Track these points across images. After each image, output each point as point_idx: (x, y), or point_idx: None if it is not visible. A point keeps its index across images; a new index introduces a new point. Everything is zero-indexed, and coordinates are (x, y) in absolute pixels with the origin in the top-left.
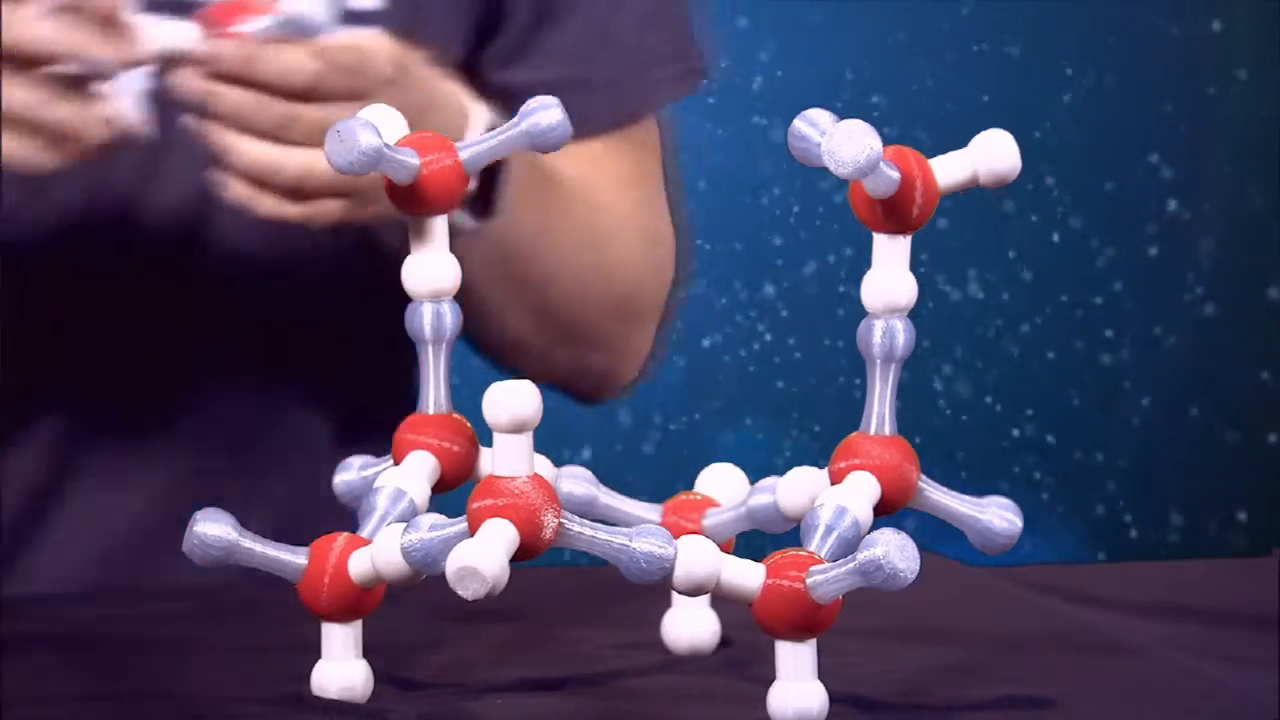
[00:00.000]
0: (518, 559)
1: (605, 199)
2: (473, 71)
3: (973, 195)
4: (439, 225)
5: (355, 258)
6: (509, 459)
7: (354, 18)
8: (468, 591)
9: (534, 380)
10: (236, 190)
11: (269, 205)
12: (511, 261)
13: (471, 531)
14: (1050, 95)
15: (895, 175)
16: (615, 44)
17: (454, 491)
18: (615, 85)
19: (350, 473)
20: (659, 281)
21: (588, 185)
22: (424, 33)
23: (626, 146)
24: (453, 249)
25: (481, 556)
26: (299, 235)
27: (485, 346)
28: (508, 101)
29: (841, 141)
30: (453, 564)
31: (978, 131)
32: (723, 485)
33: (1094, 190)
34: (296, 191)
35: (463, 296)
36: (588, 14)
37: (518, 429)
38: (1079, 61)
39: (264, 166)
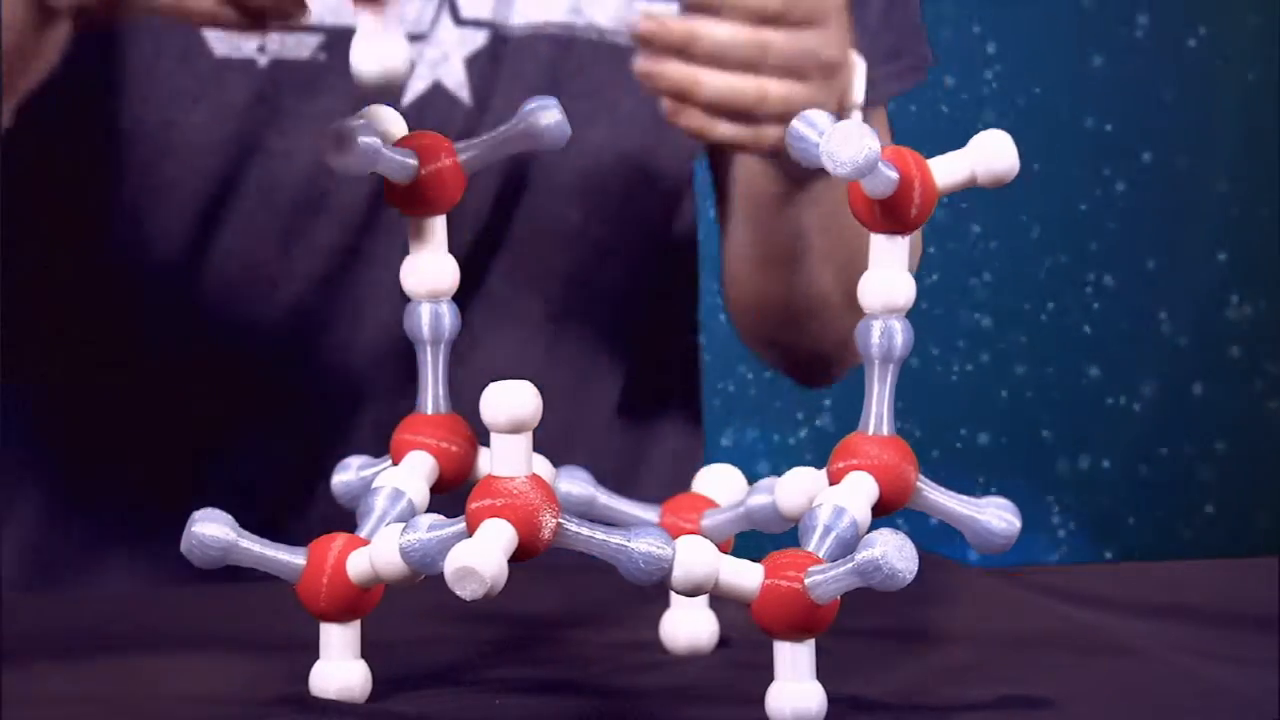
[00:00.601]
0: (516, 559)
1: None
2: None
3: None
4: (438, 225)
5: None
6: (507, 459)
7: None
8: (466, 592)
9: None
10: (694, 119)
11: (724, 130)
12: (840, 214)
13: (470, 532)
14: None
15: (894, 175)
16: (860, 36)
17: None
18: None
19: (349, 473)
20: None
21: None
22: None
23: None
24: (800, 193)
25: (480, 557)
26: None
27: (786, 306)
28: None
29: (840, 142)
30: (451, 565)
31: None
32: (720, 485)
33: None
34: (748, 116)
35: (792, 243)
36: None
37: (515, 429)
38: None
39: (728, 94)
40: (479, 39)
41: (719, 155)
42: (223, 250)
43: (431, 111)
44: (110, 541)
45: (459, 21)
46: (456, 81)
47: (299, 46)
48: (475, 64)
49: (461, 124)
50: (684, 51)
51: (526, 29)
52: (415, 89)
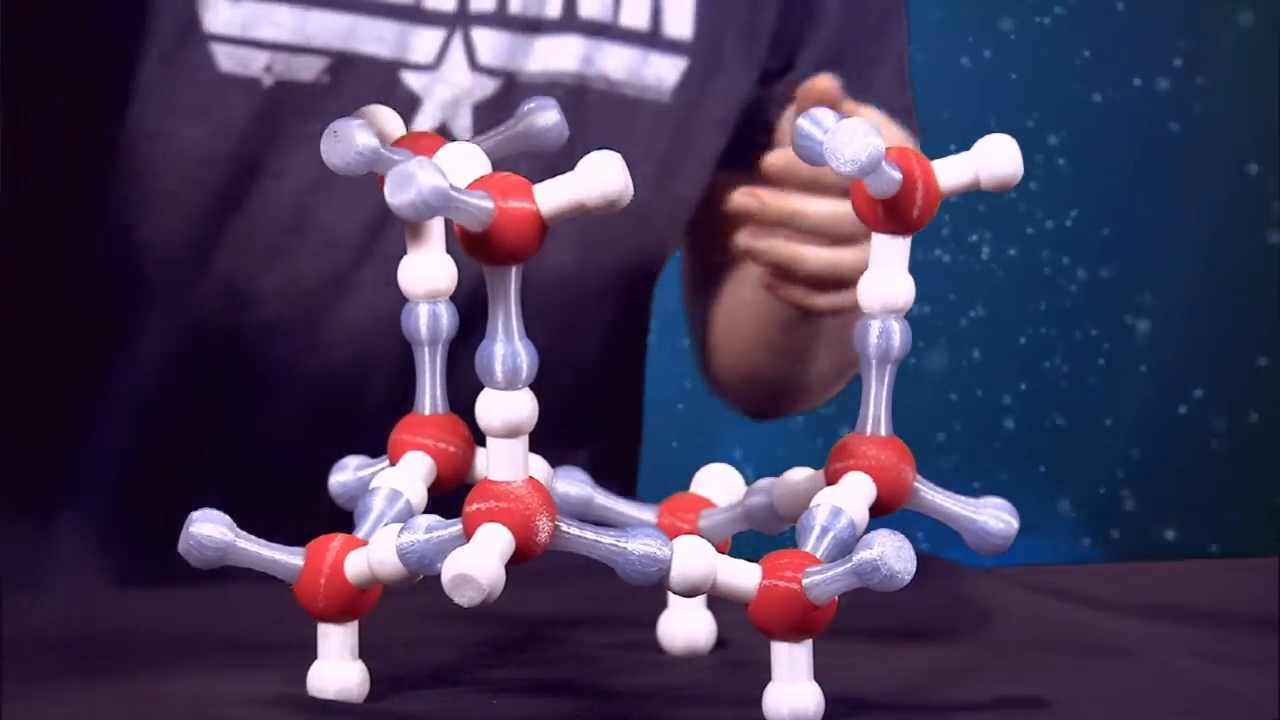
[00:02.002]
0: (513, 563)
1: None
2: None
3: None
4: (435, 226)
5: None
6: (503, 463)
7: (665, 44)
8: (464, 599)
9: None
10: (794, 294)
11: (822, 301)
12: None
13: (467, 535)
14: None
15: (897, 175)
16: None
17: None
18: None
19: (346, 473)
20: None
21: None
22: (720, 69)
23: None
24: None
25: (477, 564)
26: None
27: (779, 381)
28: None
29: (844, 140)
30: (448, 572)
31: None
32: (718, 486)
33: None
34: (839, 284)
35: (808, 342)
36: (854, 62)
37: (512, 434)
38: None
39: (829, 269)
40: (491, 86)
41: (706, 235)
42: (214, 265)
43: None
44: (108, 541)
45: (475, 67)
46: (462, 127)
47: (304, 68)
48: (483, 110)
49: None
50: (786, 226)
51: (541, 77)
52: (420, 126)
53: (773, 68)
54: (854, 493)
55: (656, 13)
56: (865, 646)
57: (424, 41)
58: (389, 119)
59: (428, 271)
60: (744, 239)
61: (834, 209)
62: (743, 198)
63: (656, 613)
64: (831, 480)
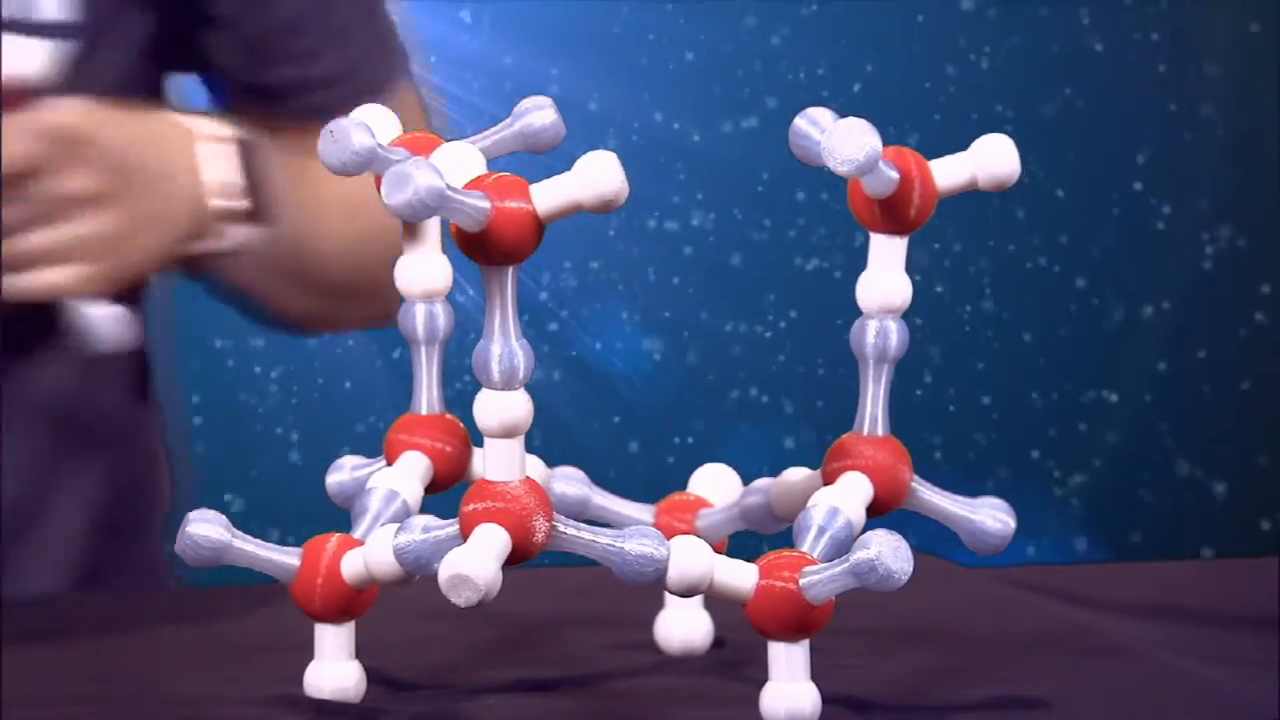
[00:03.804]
0: (510, 562)
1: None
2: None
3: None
4: (432, 225)
5: None
6: (500, 463)
7: (44, 29)
8: (460, 599)
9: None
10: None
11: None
12: (284, 260)
13: (464, 535)
14: None
15: (894, 175)
16: (342, 40)
17: (447, 491)
18: (354, 77)
19: (342, 473)
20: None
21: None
22: (106, 43)
23: None
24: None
25: (474, 564)
26: None
27: (274, 323)
28: (270, 99)
29: (841, 139)
30: (445, 572)
31: None
32: (715, 486)
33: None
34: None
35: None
36: (306, 17)
37: (508, 434)
38: None
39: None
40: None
41: None
42: None
43: None
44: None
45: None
46: None
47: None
48: None
49: None
50: None
51: None
52: None
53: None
54: (851, 493)
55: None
56: (863, 646)
57: None
58: (384, 119)
59: (424, 271)
60: None
61: None
62: None
63: (653, 613)
64: (829, 480)
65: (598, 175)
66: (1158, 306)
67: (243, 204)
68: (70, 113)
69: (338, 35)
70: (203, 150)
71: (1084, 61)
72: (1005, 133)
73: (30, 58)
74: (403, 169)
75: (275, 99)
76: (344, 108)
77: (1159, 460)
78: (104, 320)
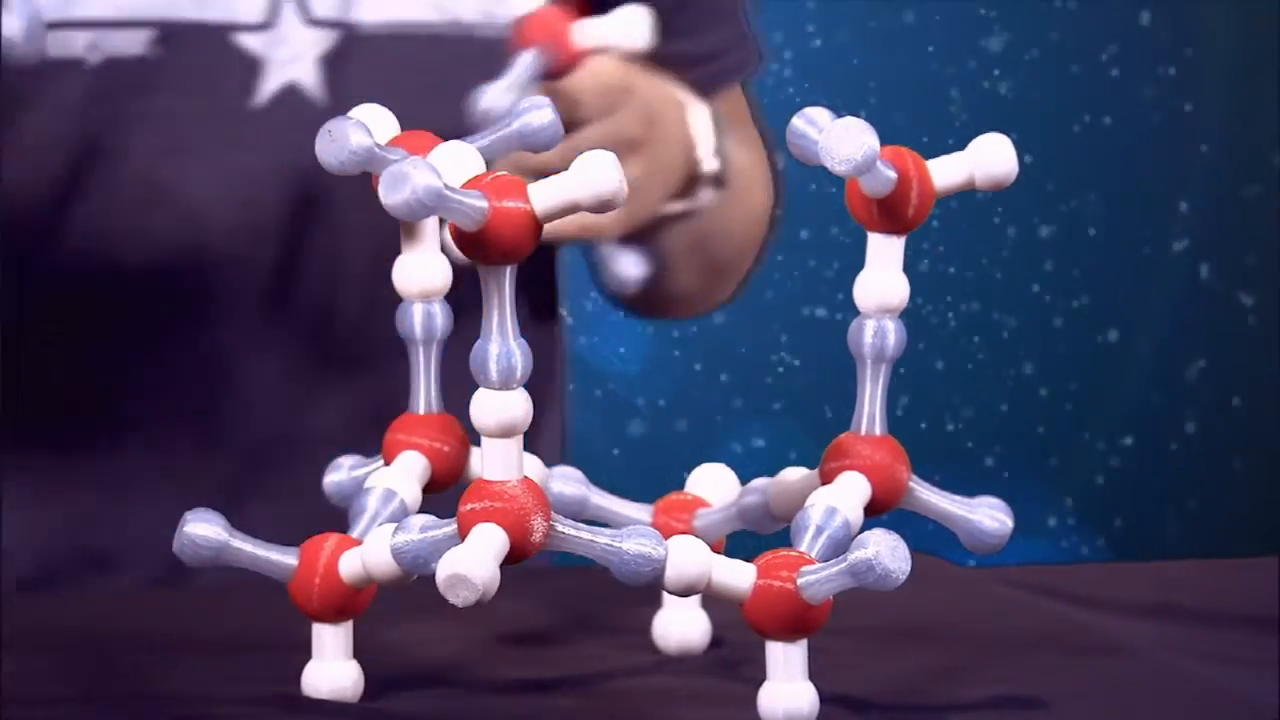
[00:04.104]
0: (508, 562)
1: (741, 154)
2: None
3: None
4: (429, 225)
5: None
6: (498, 463)
7: None
8: (458, 599)
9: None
10: None
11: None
12: (707, 236)
13: (462, 535)
14: None
15: (892, 175)
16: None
17: (446, 491)
18: (727, 57)
19: (340, 473)
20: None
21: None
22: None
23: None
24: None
25: (471, 564)
26: None
27: (645, 302)
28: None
29: (839, 139)
30: (443, 572)
31: None
32: (713, 485)
33: None
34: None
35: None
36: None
37: (506, 433)
38: None
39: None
40: (330, 39)
41: None
42: (64, 253)
43: (284, 111)
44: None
45: (310, 21)
46: (312, 83)
47: (130, 44)
48: (331, 64)
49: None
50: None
51: (385, 28)
52: (268, 87)
53: None
54: (849, 492)
55: None
56: (860, 646)
57: (250, 2)
58: (383, 118)
59: (422, 270)
60: None
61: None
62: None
63: (651, 612)
64: (826, 480)
65: (595, 175)
66: (1155, 310)
67: (716, 168)
68: (613, 64)
69: (714, 16)
70: (692, 112)
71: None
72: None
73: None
74: (400, 168)
75: (668, 71)
76: (721, 84)
77: (1160, 460)
78: (626, 261)
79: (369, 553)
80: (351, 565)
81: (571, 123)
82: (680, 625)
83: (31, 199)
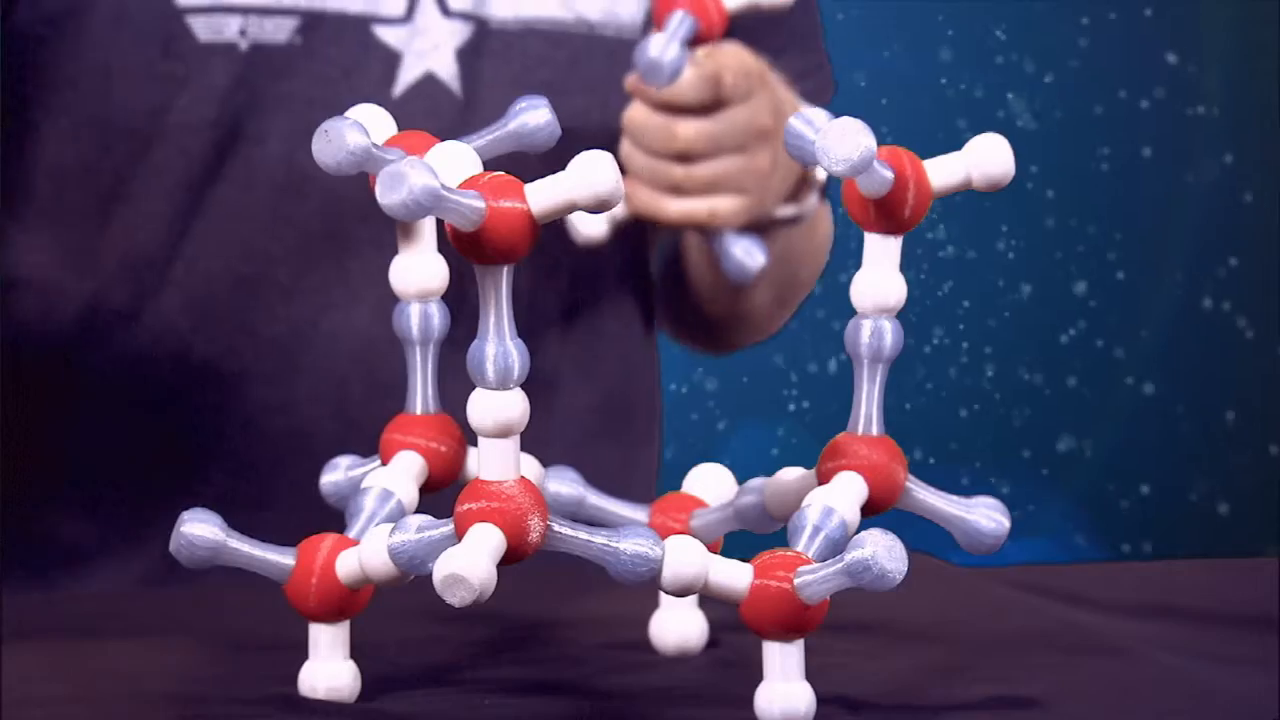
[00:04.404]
0: (504, 562)
1: None
2: None
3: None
4: (427, 226)
5: None
6: (494, 463)
7: None
8: (455, 599)
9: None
10: (641, 199)
11: (675, 208)
12: (789, 253)
13: (458, 535)
14: None
15: (889, 175)
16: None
17: (442, 491)
18: (819, 76)
19: (337, 473)
20: None
21: None
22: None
23: None
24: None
25: (469, 564)
26: None
27: (722, 317)
28: None
29: (836, 139)
30: (440, 572)
31: None
32: (709, 485)
33: None
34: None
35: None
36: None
37: (503, 433)
38: None
39: (653, 174)
40: (465, 32)
41: None
42: (206, 233)
43: (421, 100)
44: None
45: (447, 14)
46: (449, 75)
47: (277, 30)
48: (466, 56)
49: (455, 116)
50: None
51: (514, 23)
52: (405, 79)
53: None
54: (846, 492)
55: None
56: (857, 646)
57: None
58: (379, 118)
59: (419, 271)
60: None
61: (698, 128)
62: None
63: (648, 612)
64: (823, 480)
65: (592, 175)
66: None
67: (823, 176)
68: (750, 54)
69: (797, 43)
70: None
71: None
72: None
73: (631, 12)
74: (397, 169)
75: None
76: (815, 100)
77: (1160, 460)
78: (745, 250)
79: (366, 553)
80: (348, 565)
81: (715, 101)
82: (677, 625)
83: (180, 178)
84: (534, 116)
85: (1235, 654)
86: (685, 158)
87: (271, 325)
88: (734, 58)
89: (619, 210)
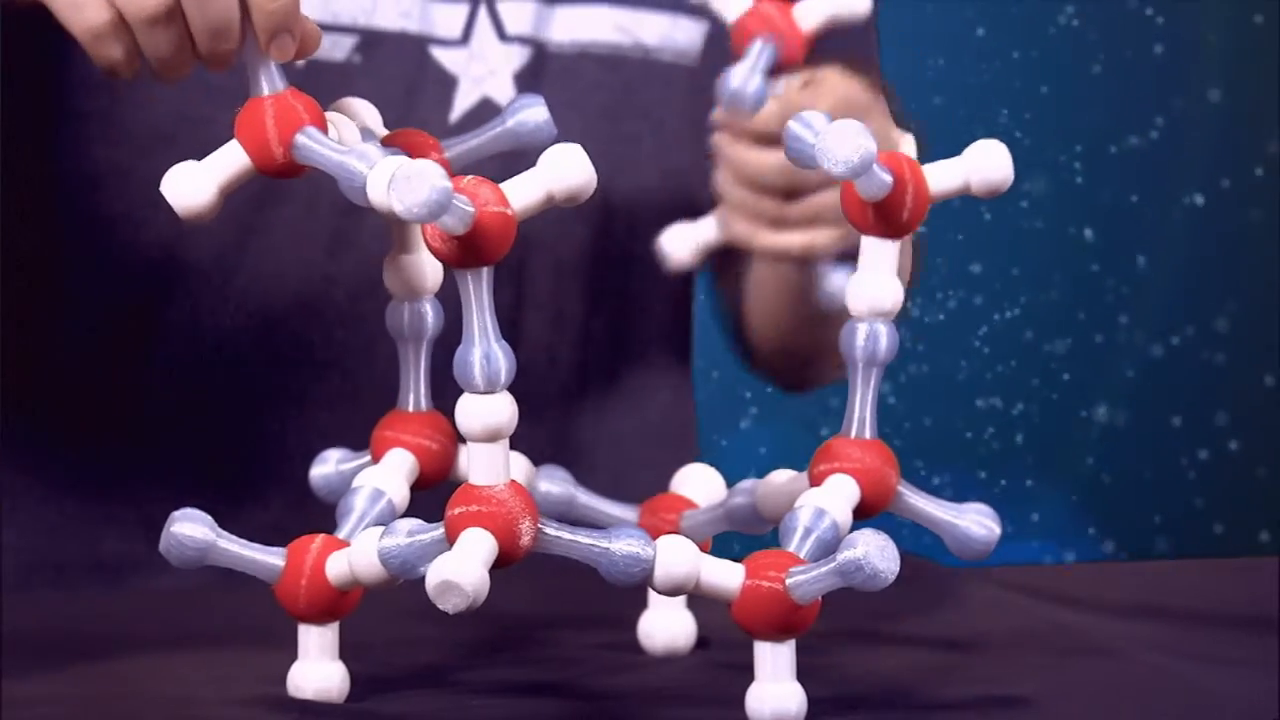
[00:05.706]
0: (496, 566)
1: None
2: None
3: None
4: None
5: None
6: (485, 467)
7: (687, 8)
8: (449, 605)
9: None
10: (739, 230)
11: (766, 239)
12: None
13: (449, 540)
14: None
15: (887, 178)
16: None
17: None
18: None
19: (328, 466)
20: None
21: None
22: None
23: None
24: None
25: (462, 571)
26: None
27: (809, 348)
28: None
29: (836, 141)
30: (433, 579)
31: None
32: (700, 486)
33: None
34: (784, 222)
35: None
36: None
37: (492, 437)
38: None
39: (753, 207)
40: (523, 57)
41: None
42: (263, 250)
43: (479, 125)
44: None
45: (504, 38)
46: (505, 97)
47: (335, 48)
48: (523, 80)
49: None
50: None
51: (571, 47)
52: (462, 103)
53: None
54: (837, 495)
55: None
56: (849, 646)
57: (447, 16)
58: (365, 112)
59: (413, 269)
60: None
61: (776, 160)
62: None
63: (637, 613)
64: (815, 482)
65: (566, 168)
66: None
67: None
68: (856, 86)
69: (856, 65)
70: (905, 145)
71: None
72: None
73: (690, 37)
74: (413, 169)
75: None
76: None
77: (1159, 459)
78: (838, 280)
79: (356, 556)
80: (338, 567)
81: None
82: (666, 626)
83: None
84: (531, 115)
85: (1229, 655)
86: (788, 193)
87: (328, 349)
88: (836, 88)
89: (712, 237)
